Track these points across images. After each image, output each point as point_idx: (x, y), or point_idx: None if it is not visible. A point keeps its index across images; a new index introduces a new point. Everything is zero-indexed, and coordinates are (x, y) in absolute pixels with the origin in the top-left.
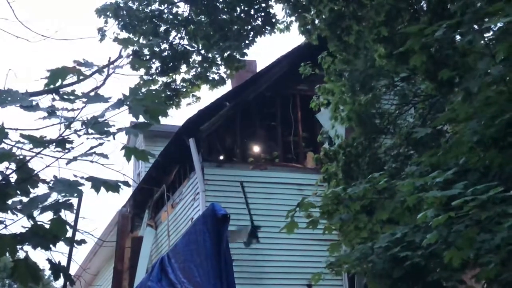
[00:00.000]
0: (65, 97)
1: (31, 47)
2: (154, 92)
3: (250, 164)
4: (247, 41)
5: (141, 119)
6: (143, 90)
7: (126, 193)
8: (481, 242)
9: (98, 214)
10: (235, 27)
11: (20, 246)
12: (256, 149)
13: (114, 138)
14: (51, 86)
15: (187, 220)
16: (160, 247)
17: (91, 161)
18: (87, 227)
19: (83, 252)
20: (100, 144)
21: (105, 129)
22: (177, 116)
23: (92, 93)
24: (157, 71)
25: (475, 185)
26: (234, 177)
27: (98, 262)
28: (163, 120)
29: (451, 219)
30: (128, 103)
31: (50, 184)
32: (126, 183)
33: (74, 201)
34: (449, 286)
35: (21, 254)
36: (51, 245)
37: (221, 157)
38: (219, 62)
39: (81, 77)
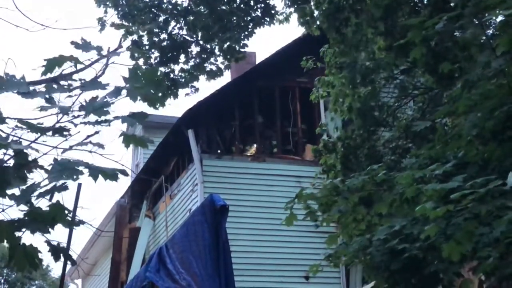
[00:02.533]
0: (63, 84)
1: (31, 36)
2: (152, 71)
3: (248, 156)
4: (246, 32)
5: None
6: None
7: (124, 183)
8: (479, 236)
9: (96, 204)
10: (235, 18)
11: (18, 232)
12: (255, 141)
13: (109, 125)
14: (48, 74)
15: (185, 211)
16: (158, 238)
17: (90, 151)
18: (86, 217)
19: (81, 242)
20: (97, 132)
21: (103, 116)
22: (176, 107)
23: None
24: (156, 61)
25: (474, 178)
26: (233, 169)
27: (96, 252)
28: (162, 111)
29: (449, 212)
30: (126, 86)
31: (49, 170)
32: (124, 172)
33: (72, 187)
34: (446, 279)
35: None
36: (49, 228)
37: (220, 149)
38: (218, 53)
39: (80, 67)
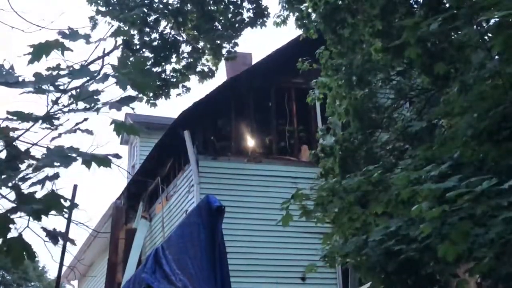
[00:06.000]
0: (51, 72)
1: (26, 37)
2: (141, 60)
3: (245, 157)
4: (238, 32)
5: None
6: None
7: (120, 185)
8: (475, 236)
9: (92, 206)
10: (224, 17)
11: (13, 225)
12: (251, 142)
13: (97, 114)
14: (36, 63)
15: (181, 212)
16: (154, 239)
17: (86, 152)
18: (82, 218)
19: (78, 244)
20: (85, 119)
21: (93, 103)
22: (171, 109)
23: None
24: (150, 62)
25: (470, 179)
26: (229, 170)
27: (92, 253)
28: (158, 112)
29: (445, 212)
30: (116, 74)
31: (40, 159)
32: (117, 155)
33: (68, 188)
34: (442, 280)
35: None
36: (41, 215)
37: (216, 150)
38: (208, 53)
39: (67, 54)
